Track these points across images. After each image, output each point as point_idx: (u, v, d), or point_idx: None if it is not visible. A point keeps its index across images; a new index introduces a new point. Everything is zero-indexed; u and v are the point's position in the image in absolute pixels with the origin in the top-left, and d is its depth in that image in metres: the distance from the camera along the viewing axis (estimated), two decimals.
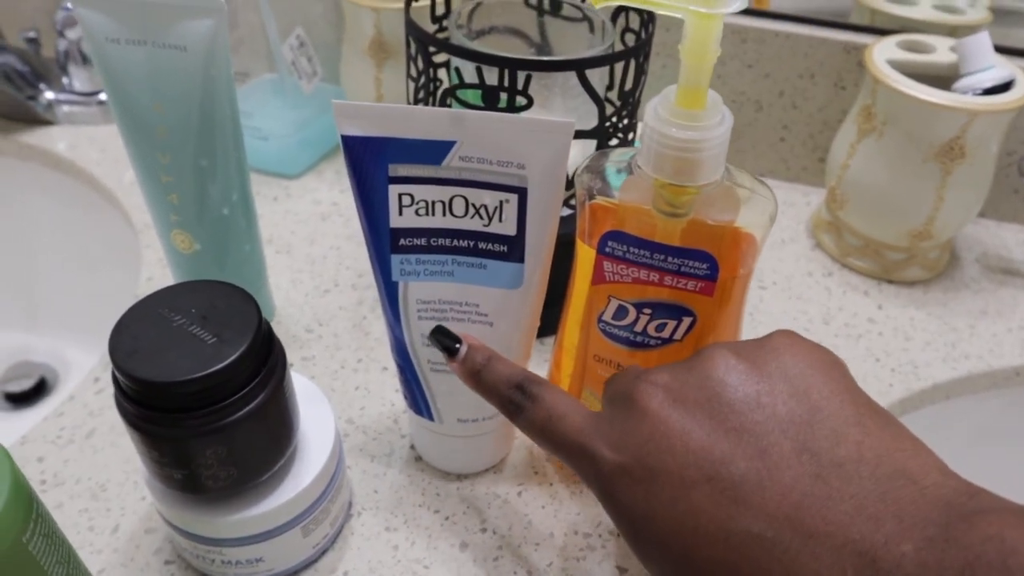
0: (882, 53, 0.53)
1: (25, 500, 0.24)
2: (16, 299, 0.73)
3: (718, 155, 0.32)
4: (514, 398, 0.31)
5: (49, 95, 0.69)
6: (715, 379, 0.27)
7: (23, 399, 0.69)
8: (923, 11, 0.60)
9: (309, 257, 0.56)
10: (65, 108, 0.69)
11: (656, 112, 0.31)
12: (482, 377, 0.32)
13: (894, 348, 0.51)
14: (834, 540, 0.23)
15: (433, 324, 0.36)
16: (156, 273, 0.54)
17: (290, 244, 0.57)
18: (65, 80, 0.70)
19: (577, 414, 0.30)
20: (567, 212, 0.45)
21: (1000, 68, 0.50)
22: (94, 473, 0.42)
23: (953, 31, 0.59)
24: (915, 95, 0.48)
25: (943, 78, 0.52)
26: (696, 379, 0.28)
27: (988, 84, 0.49)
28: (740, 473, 0.25)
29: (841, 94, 0.61)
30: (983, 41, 0.50)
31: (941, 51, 0.54)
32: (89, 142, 0.67)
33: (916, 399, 0.49)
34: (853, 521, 0.23)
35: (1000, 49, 0.53)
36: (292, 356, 0.49)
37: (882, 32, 0.58)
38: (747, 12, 0.60)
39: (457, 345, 0.34)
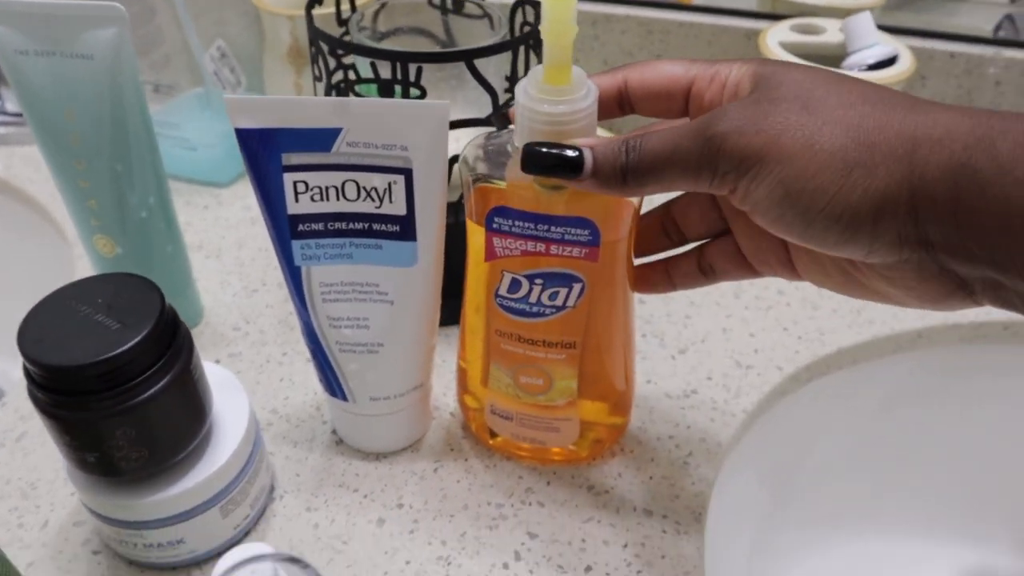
0: (775, 36, 0.55)
1: None
2: None
3: (588, 126, 0.34)
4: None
5: None
6: None
7: None
8: None
9: (238, 260, 0.58)
10: None
11: (526, 91, 0.33)
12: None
13: (802, 317, 0.54)
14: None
15: (338, 306, 0.38)
16: None
17: (219, 248, 0.59)
18: None
19: None
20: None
21: (883, 45, 0.53)
22: (24, 473, 0.43)
23: (848, 14, 0.62)
24: None
25: (833, 57, 0.55)
26: None
27: (872, 60, 0.52)
28: None
29: None
30: (866, 20, 0.53)
31: (831, 32, 0.57)
32: (23, 161, 0.69)
33: (823, 364, 0.51)
34: None
35: (891, 29, 0.56)
36: (219, 353, 0.50)
37: (780, 18, 0.60)
38: (652, 5, 0.63)
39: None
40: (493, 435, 0.44)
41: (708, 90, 0.32)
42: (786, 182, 0.27)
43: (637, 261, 0.39)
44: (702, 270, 0.38)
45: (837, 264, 0.32)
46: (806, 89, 0.28)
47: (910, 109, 0.27)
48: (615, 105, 0.34)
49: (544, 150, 0.31)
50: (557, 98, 0.33)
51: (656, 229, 0.39)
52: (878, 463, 0.57)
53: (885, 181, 0.26)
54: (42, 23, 0.40)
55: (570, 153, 0.31)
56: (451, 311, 0.43)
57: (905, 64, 0.52)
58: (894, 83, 0.51)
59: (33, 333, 0.32)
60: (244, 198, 0.64)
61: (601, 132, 0.36)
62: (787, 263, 0.35)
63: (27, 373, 0.33)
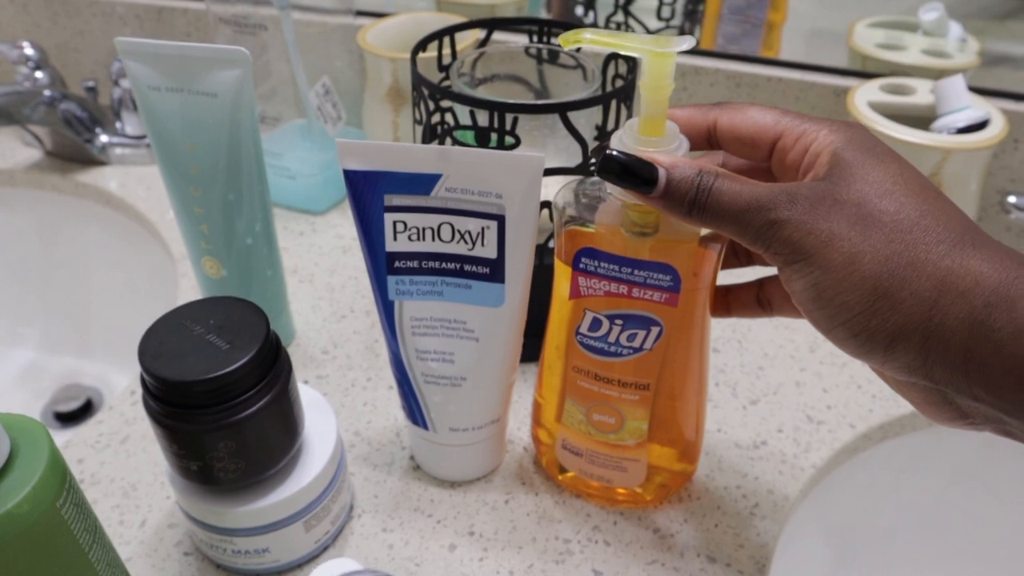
0: (864, 96, 0.56)
1: (60, 470, 0.29)
2: (69, 325, 0.80)
3: None
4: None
5: (104, 138, 0.76)
6: None
7: (71, 418, 0.75)
8: (912, 56, 0.63)
9: (329, 286, 0.61)
10: (118, 150, 0.76)
11: (621, 141, 0.35)
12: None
13: (876, 376, 0.53)
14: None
15: (426, 339, 0.40)
16: (190, 298, 0.59)
17: (313, 274, 0.62)
18: (118, 124, 0.76)
19: None
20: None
21: (975, 109, 0.53)
22: (127, 474, 0.46)
23: (941, 75, 0.62)
24: (891, 134, 0.52)
25: (923, 118, 0.55)
26: None
27: (962, 124, 0.52)
28: None
29: None
30: (958, 83, 0.53)
31: (922, 93, 0.57)
32: (138, 181, 0.74)
33: (896, 425, 0.51)
34: None
35: (983, 91, 0.56)
36: (308, 374, 0.53)
37: (870, 76, 0.61)
38: (740, 59, 0.64)
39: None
40: (563, 470, 0.45)
41: (792, 149, 0.33)
42: (819, 287, 0.29)
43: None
44: (760, 302, 0.39)
45: None
46: (871, 197, 0.29)
47: (953, 247, 0.28)
48: (704, 142, 0.36)
49: (623, 158, 0.32)
50: (651, 149, 0.34)
51: (727, 249, 0.40)
52: (947, 531, 0.56)
53: (904, 318, 0.28)
54: (174, 62, 0.44)
55: (646, 170, 0.32)
56: (530, 350, 0.44)
57: (996, 129, 0.52)
58: (984, 147, 0.51)
59: (152, 348, 0.35)
60: (337, 227, 0.68)
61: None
62: None
63: (143, 384, 0.36)
